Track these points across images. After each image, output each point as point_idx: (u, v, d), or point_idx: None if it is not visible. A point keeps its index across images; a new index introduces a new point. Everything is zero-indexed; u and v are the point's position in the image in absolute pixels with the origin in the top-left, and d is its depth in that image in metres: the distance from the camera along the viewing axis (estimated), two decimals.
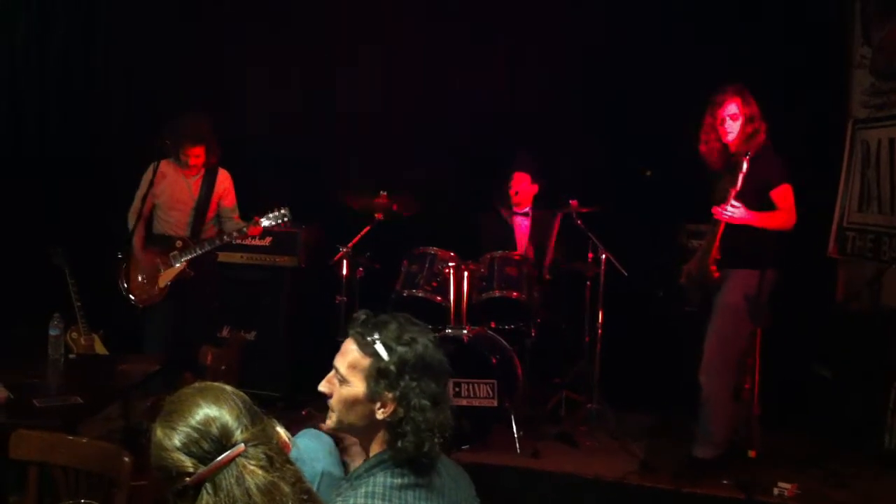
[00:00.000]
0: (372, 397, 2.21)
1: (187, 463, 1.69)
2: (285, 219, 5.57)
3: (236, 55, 7.12)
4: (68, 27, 7.30)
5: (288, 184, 6.79)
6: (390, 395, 2.19)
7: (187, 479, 1.68)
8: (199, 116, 5.64)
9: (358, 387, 2.22)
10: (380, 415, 2.20)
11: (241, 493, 1.67)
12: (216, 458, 1.69)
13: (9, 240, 6.72)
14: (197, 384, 1.84)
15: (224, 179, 5.84)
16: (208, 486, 1.67)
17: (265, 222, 5.53)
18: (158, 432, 1.74)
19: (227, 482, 1.68)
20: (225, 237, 5.65)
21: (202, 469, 1.68)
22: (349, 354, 2.28)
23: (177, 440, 1.70)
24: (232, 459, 1.70)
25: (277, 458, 1.76)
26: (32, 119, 7.35)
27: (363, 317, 2.35)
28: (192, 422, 1.72)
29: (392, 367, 2.20)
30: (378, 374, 2.21)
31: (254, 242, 6.53)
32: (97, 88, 7.31)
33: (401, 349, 2.22)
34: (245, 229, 5.56)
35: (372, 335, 2.26)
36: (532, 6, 6.73)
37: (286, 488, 1.74)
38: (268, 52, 7.10)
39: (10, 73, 7.30)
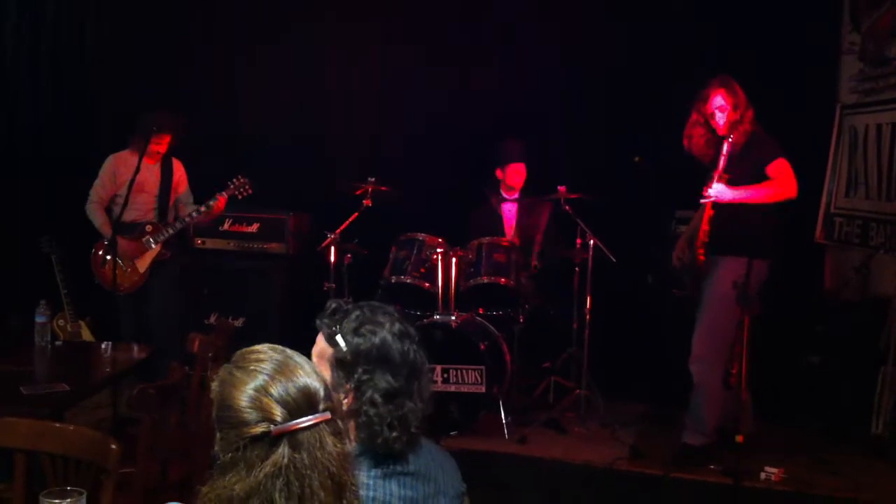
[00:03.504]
0: (335, 387, 2.19)
1: (277, 412, 1.70)
2: (246, 188, 5.83)
3: (232, 51, 7.15)
4: (61, 23, 7.30)
5: (278, 171, 6.78)
6: (347, 386, 2.19)
7: (272, 426, 1.68)
8: (168, 111, 5.87)
9: (326, 375, 2.21)
10: (345, 404, 2.19)
11: (322, 456, 1.70)
12: (305, 416, 1.71)
13: (2, 228, 6.71)
14: (286, 349, 1.84)
15: (178, 167, 6.07)
16: (289, 440, 1.69)
17: (227, 194, 5.81)
18: (257, 378, 1.74)
19: (309, 443, 1.70)
20: (194, 214, 5.86)
21: (291, 423, 1.69)
22: (318, 344, 2.28)
23: (275, 390, 1.71)
24: (319, 423, 1.72)
25: (345, 436, 1.80)
26: (25, 116, 7.35)
27: (333, 306, 2.31)
28: (295, 378, 1.74)
29: (348, 357, 2.18)
30: (337, 364, 2.19)
31: (242, 229, 6.62)
32: (92, 86, 7.29)
33: (356, 340, 2.19)
34: (211, 204, 5.81)
35: (335, 325, 2.24)
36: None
37: (350, 464, 1.80)
38: (264, 48, 7.12)
39: (3, 72, 7.29)
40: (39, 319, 4.66)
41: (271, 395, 1.71)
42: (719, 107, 4.88)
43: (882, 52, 5.73)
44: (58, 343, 4.97)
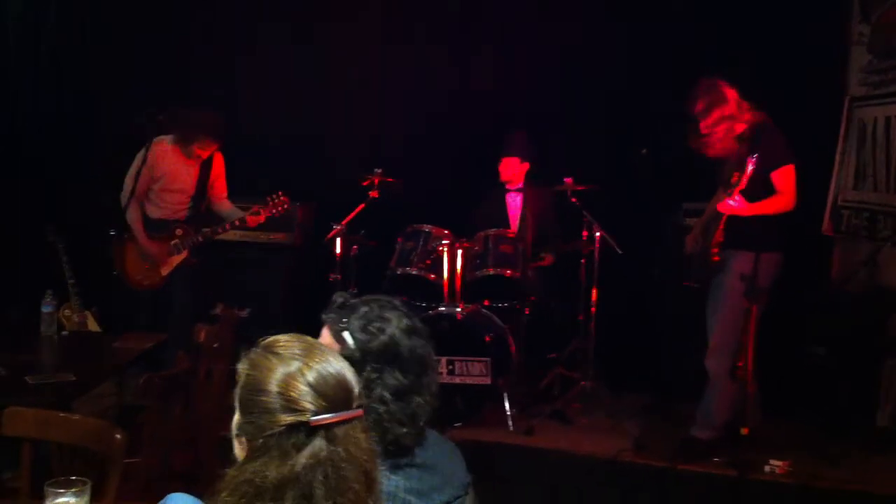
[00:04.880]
0: None
1: (310, 401, 1.66)
2: (284, 206, 5.72)
3: (232, 51, 7.15)
4: (61, 23, 7.31)
5: (285, 161, 6.79)
6: None
7: (310, 417, 1.64)
8: (218, 114, 5.77)
9: None
10: None
11: (356, 451, 1.68)
12: (340, 411, 1.68)
13: (5, 220, 6.71)
14: (314, 340, 1.81)
15: (219, 164, 5.92)
16: (325, 433, 1.65)
17: (264, 214, 5.70)
18: (291, 365, 1.70)
19: (344, 437, 1.67)
20: (227, 225, 5.79)
21: (330, 415, 1.66)
22: (323, 338, 2.23)
23: (310, 376, 1.68)
24: (353, 418, 1.70)
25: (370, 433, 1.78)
26: (25, 115, 7.36)
27: (339, 300, 2.28)
28: (330, 368, 1.71)
29: (356, 355, 2.14)
30: None
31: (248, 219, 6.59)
32: (92, 86, 7.29)
33: (364, 338, 2.16)
34: (246, 219, 5.72)
35: (342, 321, 2.20)
36: None
37: (378, 460, 1.78)
38: (264, 48, 7.13)
39: (4, 72, 7.31)
40: (46, 309, 4.66)
41: (309, 385, 1.67)
42: (699, 112, 4.87)
43: (891, 45, 5.70)
44: (63, 333, 4.98)
